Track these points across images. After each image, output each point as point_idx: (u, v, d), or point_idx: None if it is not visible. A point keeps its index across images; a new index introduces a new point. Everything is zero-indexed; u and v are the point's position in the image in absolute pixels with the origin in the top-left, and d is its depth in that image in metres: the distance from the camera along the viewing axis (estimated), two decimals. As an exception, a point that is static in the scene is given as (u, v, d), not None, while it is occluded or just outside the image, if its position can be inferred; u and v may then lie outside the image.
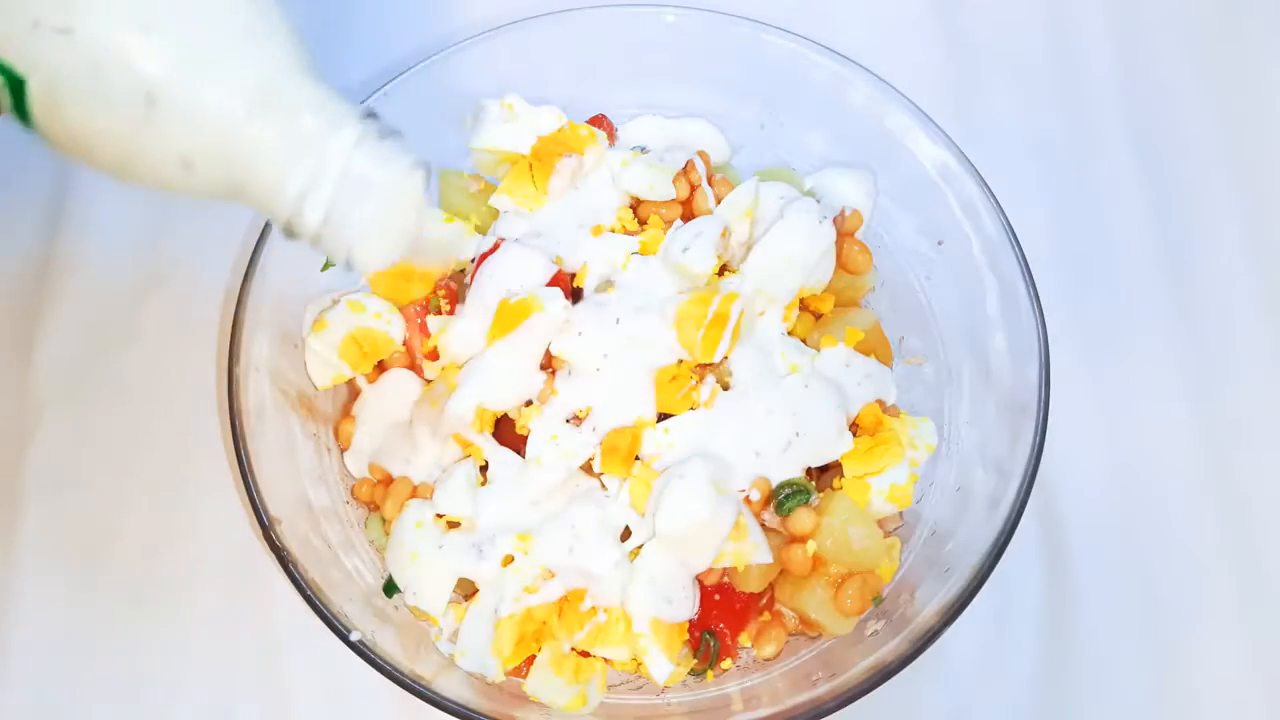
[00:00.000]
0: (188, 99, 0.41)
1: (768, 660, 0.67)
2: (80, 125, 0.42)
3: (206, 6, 0.42)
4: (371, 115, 0.47)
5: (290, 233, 0.47)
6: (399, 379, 0.72)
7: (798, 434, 0.66)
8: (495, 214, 0.75)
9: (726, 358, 0.68)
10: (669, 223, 0.73)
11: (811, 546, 0.64)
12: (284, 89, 0.44)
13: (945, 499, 0.69)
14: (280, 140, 0.43)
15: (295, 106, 0.44)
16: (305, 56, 0.45)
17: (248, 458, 0.63)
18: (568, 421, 0.67)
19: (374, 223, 0.47)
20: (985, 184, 0.71)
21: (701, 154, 0.76)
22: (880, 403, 0.70)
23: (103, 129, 0.42)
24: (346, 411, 0.72)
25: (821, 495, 0.67)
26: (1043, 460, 0.64)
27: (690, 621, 0.65)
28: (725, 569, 0.65)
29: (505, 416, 0.68)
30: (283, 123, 0.43)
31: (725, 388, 0.68)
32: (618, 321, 0.67)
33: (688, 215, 0.73)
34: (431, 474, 0.68)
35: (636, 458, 0.66)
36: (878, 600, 0.67)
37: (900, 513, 0.70)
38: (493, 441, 0.67)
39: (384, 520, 0.69)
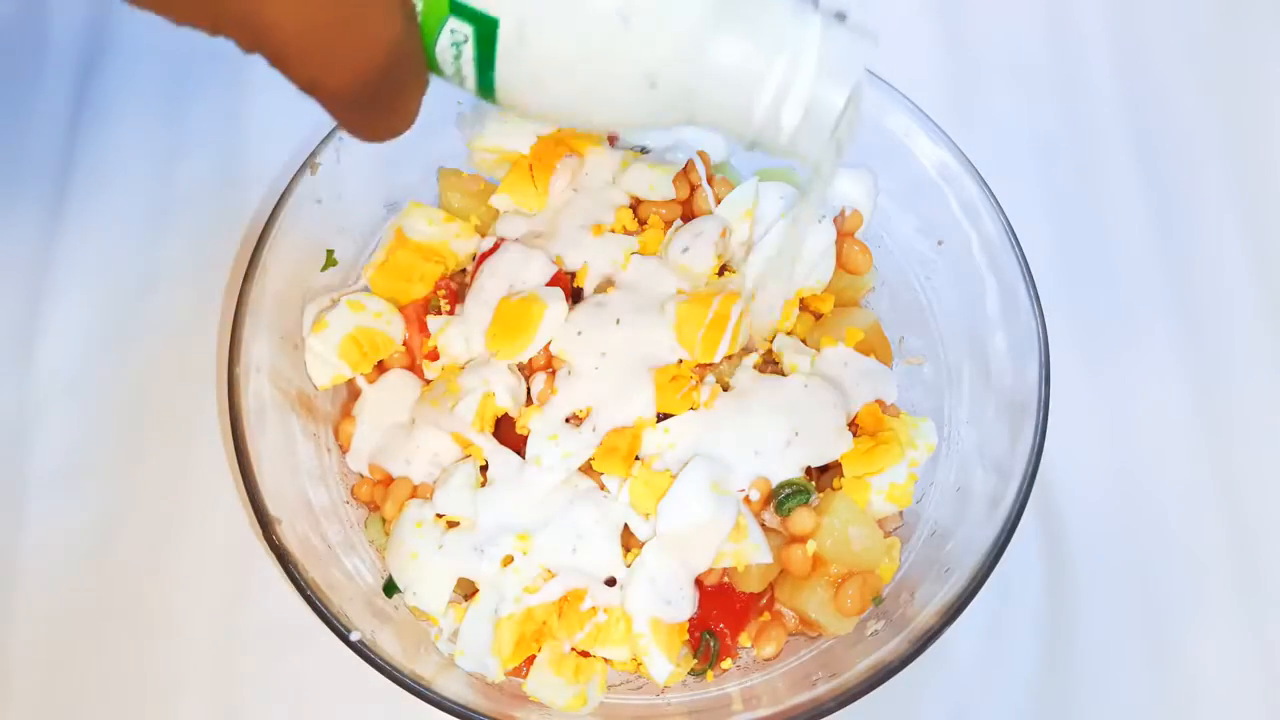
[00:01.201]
0: (659, 8, 0.40)
1: (768, 660, 0.67)
2: (547, 59, 0.40)
3: None
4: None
5: (756, 144, 0.45)
6: (399, 379, 0.72)
7: (797, 433, 0.66)
8: (495, 214, 0.75)
9: (728, 358, 0.68)
10: (669, 223, 0.73)
11: (811, 546, 0.64)
12: None
13: (945, 499, 0.69)
14: (751, 38, 0.41)
15: (757, 3, 0.42)
16: None
17: (248, 458, 0.63)
18: (567, 421, 0.67)
19: (849, 111, 0.45)
20: (985, 184, 0.71)
21: (701, 154, 0.76)
22: (880, 402, 0.70)
23: (570, 59, 0.40)
24: (346, 411, 0.72)
25: (821, 495, 0.67)
26: (1043, 460, 0.64)
27: (690, 621, 0.65)
28: (725, 569, 0.65)
29: (505, 416, 0.69)
30: (749, 19, 0.41)
31: (725, 388, 0.68)
32: (618, 322, 0.67)
33: (688, 215, 0.73)
34: (431, 474, 0.68)
35: (636, 458, 0.66)
36: (878, 600, 0.67)
37: (900, 513, 0.70)
38: (493, 441, 0.67)
39: (384, 520, 0.69)
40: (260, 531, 0.62)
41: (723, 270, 0.71)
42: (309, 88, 0.41)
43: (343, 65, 0.40)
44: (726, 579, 0.66)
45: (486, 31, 0.39)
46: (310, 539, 0.65)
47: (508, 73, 0.41)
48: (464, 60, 0.41)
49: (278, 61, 0.40)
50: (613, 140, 0.77)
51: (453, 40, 0.40)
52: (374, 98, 0.42)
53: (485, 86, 0.42)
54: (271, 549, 0.62)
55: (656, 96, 0.42)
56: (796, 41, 0.42)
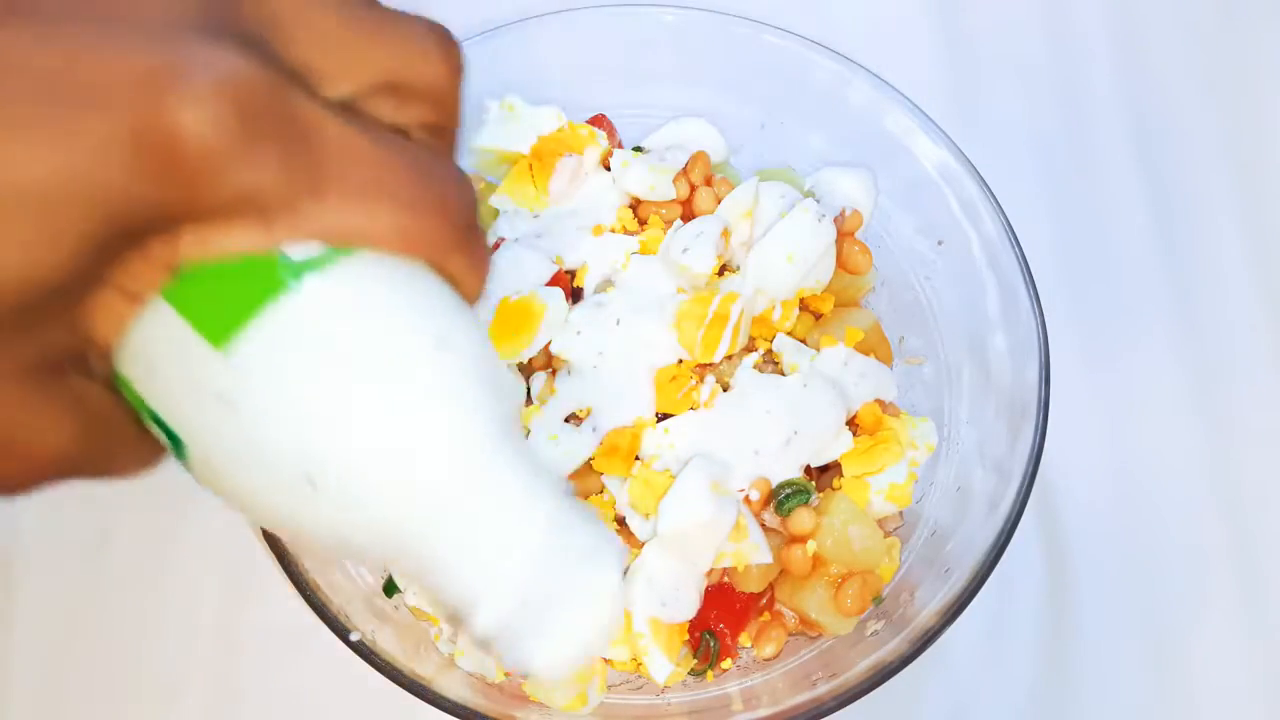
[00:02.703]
0: (354, 484, 0.35)
1: (768, 660, 0.67)
2: (237, 493, 0.37)
3: (385, 368, 0.35)
4: (568, 490, 0.38)
5: (456, 628, 0.42)
6: None
7: (796, 432, 0.66)
8: (495, 214, 0.75)
9: (728, 358, 0.68)
10: (669, 223, 0.73)
11: (811, 546, 0.64)
12: (467, 472, 0.36)
13: (945, 499, 0.69)
14: (456, 539, 0.36)
15: (477, 494, 0.36)
16: (504, 417, 0.37)
17: (248, 458, 0.63)
18: (567, 421, 0.67)
19: (558, 637, 0.37)
20: (985, 184, 0.71)
21: (701, 154, 0.76)
22: (880, 402, 0.70)
23: (261, 501, 0.36)
24: (346, 411, 0.72)
25: (821, 495, 0.67)
26: (1043, 460, 0.64)
27: (690, 621, 0.65)
28: (725, 569, 0.65)
29: (505, 416, 0.68)
30: (461, 519, 0.36)
31: (725, 388, 0.68)
32: (618, 322, 0.67)
33: (688, 215, 0.73)
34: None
35: (636, 458, 0.66)
36: (878, 600, 0.67)
37: (900, 513, 0.70)
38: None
39: (384, 520, 0.69)
40: (260, 532, 0.62)
41: (723, 270, 0.71)
42: None
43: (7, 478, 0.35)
44: (726, 579, 0.66)
45: (178, 446, 0.36)
46: (310, 539, 0.65)
47: (204, 485, 0.38)
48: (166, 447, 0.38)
49: None
50: (611, 138, 0.77)
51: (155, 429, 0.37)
52: (72, 476, 0.37)
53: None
54: (272, 549, 0.62)
55: (354, 552, 0.39)
56: (506, 549, 0.36)
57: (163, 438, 0.37)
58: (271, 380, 0.35)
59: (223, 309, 0.34)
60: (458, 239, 0.36)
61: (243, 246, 0.34)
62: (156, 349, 0.35)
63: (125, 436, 0.38)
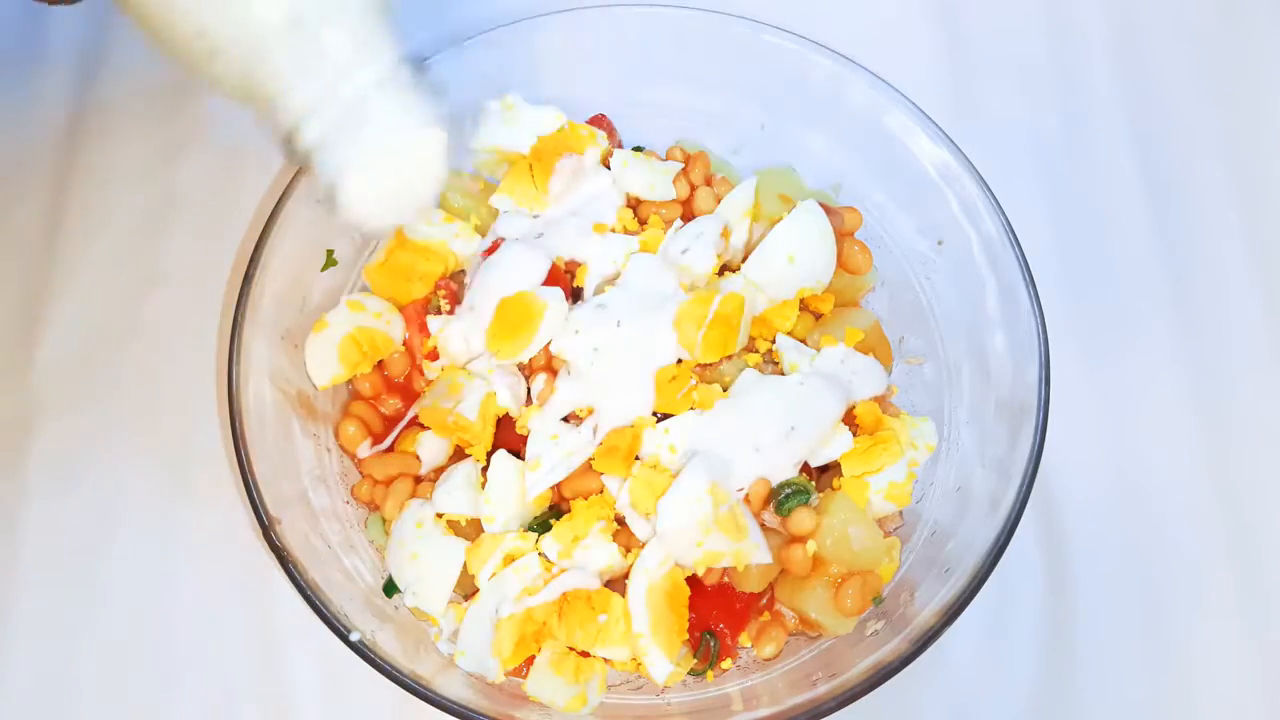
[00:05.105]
0: None
1: (768, 660, 0.67)
2: None
3: None
4: (417, 64, 0.47)
5: (289, 151, 0.48)
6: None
7: (794, 428, 0.66)
8: (495, 214, 0.75)
9: (729, 358, 0.68)
10: (669, 223, 0.73)
11: (811, 546, 0.64)
12: (327, 8, 0.44)
13: (945, 499, 0.69)
14: (302, 52, 0.44)
15: (329, 25, 0.44)
16: None
17: (248, 458, 0.63)
18: (567, 421, 0.67)
19: (368, 163, 0.47)
20: (985, 184, 0.71)
21: (701, 154, 0.76)
22: (879, 400, 0.70)
23: None
24: (347, 411, 0.72)
25: (821, 495, 0.67)
26: (1043, 460, 0.64)
27: (690, 621, 0.65)
28: (725, 569, 0.65)
29: (506, 416, 0.69)
30: (311, 37, 0.44)
31: (725, 388, 0.68)
32: (618, 323, 0.67)
33: (688, 215, 0.73)
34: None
35: (636, 458, 0.66)
36: (878, 600, 0.67)
37: (900, 512, 0.70)
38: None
39: (384, 520, 0.69)
40: (260, 531, 0.62)
41: (723, 270, 0.71)
42: None
43: None
44: (726, 579, 0.66)
45: None
46: (310, 539, 0.65)
47: None
48: None
49: None
50: (611, 138, 0.77)
51: None
52: None
53: None
54: (271, 549, 0.62)
55: (215, 63, 0.45)
56: (341, 72, 0.45)
57: None
58: None
59: None
60: None
61: None
62: None
63: None
